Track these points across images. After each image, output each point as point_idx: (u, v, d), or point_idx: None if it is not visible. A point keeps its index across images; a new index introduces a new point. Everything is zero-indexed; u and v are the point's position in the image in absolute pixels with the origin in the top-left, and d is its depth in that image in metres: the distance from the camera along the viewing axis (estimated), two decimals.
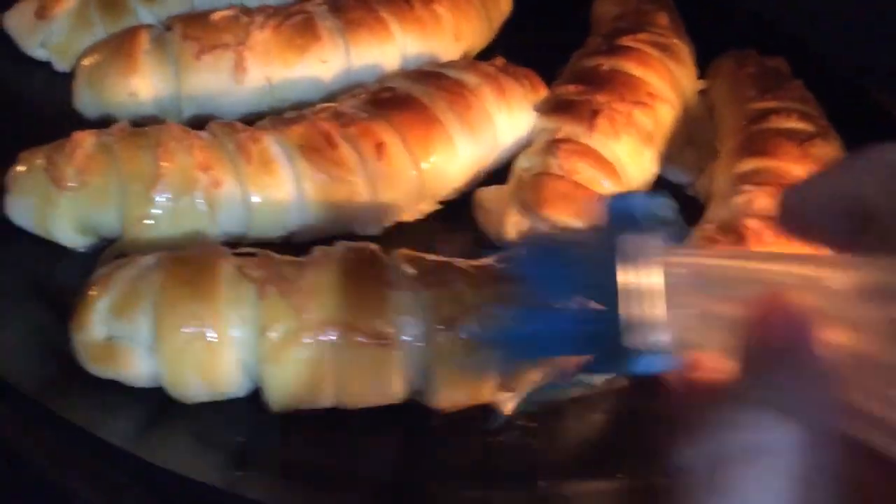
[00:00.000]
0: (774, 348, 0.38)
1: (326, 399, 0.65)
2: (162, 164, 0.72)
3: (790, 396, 0.37)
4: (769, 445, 0.36)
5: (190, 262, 0.65)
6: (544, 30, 1.06)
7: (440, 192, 0.81)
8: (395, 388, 0.65)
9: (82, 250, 0.74)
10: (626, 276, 0.44)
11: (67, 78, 0.89)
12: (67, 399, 0.64)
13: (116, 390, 0.65)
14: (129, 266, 0.66)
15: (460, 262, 0.69)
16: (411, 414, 0.67)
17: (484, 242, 0.81)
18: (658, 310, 0.44)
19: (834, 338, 0.38)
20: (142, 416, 0.65)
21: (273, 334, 0.63)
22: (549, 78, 0.91)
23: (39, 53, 0.90)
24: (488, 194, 0.82)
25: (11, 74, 0.90)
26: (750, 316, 0.39)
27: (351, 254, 0.67)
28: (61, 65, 0.90)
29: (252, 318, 0.64)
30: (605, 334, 0.44)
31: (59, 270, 0.73)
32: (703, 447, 0.38)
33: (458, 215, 0.83)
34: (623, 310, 0.43)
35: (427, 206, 0.81)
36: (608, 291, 0.44)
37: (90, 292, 0.64)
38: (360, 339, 0.63)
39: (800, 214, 0.42)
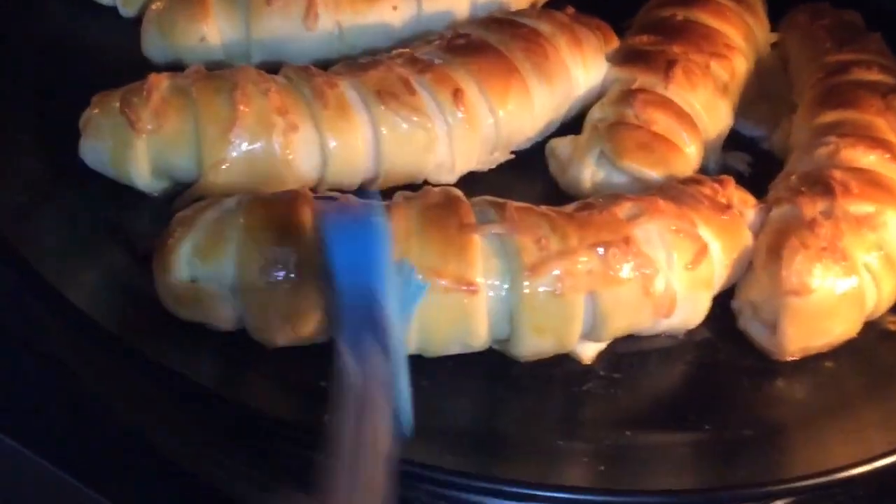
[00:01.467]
0: None
1: (409, 344, 0.64)
2: (239, 107, 0.71)
3: None
4: None
5: (273, 205, 0.64)
6: None
7: (514, 141, 0.80)
8: (478, 336, 0.64)
9: (156, 195, 0.74)
10: None
11: (133, 23, 0.88)
12: (151, 340, 0.64)
13: (198, 332, 0.65)
14: (211, 208, 0.65)
15: (543, 207, 0.68)
16: (493, 363, 0.67)
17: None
18: None
19: None
20: (224, 358, 0.64)
21: None
22: (619, 27, 0.90)
23: None
24: (562, 144, 0.80)
25: (78, 20, 0.89)
26: None
27: (434, 198, 0.66)
28: (127, 10, 0.89)
29: None
30: None
31: (133, 214, 0.73)
32: None
33: (528, 165, 0.82)
34: None
35: (500, 155, 0.80)
36: None
37: (174, 234, 0.64)
38: (444, 284, 0.62)
39: None
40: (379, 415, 0.50)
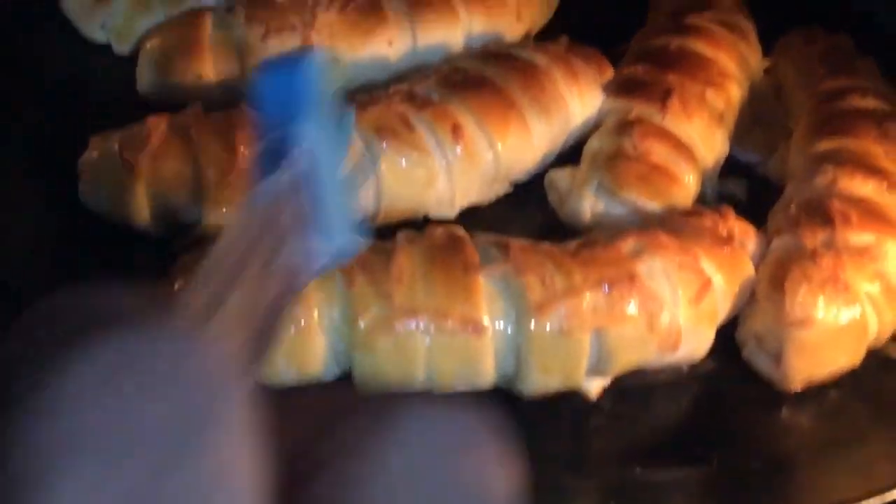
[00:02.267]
0: None
1: (416, 386, 0.64)
2: (240, 148, 0.71)
3: None
4: None
5: None
6: (599, 5, 1.04)
7: (513, 174, 0.80)
8: (486, 376, 0.64)
9: (156, 235, 0.73)
10: None
11: (127, 61, 0.88)
12: None
13: None
14: None
15: (545, 245, 0.68)
16: (498, 399, 0.66)
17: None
18: None
19: None
20: None
21: (363, 322, 0.62)
22: (609, 54, 0.90)
23: (99, 36, 0.89)
24: (561, 176, 0.80)
25: (71, 57, 0.89)
26: None
27: (438, 239, 0.66)
28: (121, 47, 0.88)
29: (341, 304, 0.63)
30: None
31: (135, 256, 0.73)
32: None
33: (527, 197, 0.82)
34: None
35: (500, 189, 0.80)
36: None
37: (176, 283, 0.63)
38: (451, 325, 0.62)
39: None
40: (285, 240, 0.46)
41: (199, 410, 0.32)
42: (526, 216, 0.81)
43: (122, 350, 0.32)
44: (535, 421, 0.66)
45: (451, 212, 0.77)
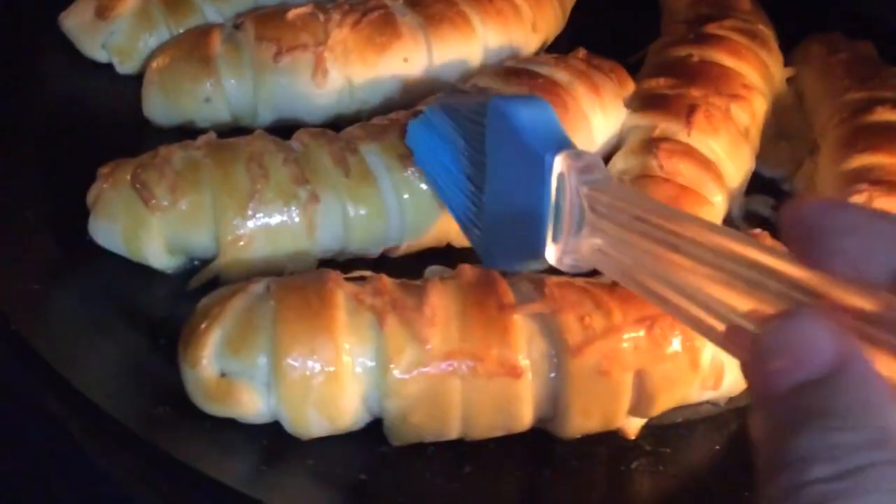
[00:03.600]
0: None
1: (452, 432, 0.61)
2: (256, 179, 0.68)
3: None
4: None
5: (304, 290, 0.61)
6: (610, 11, 1.02)
7: None
8: (524, 419, 0.61)
9: (170, 272, 0.70)
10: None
11: (130, 80, 0.85)
12: (177, 437, 0.61)
13: (228, 427, 0.62)
14: (238, 296, 0.61)
15: (580, 280, 0.65)
16: (535, 441, 0.64)
17: None
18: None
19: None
20: (257, 453, 0.61)
21: (396, 367, 0.59)
22: (624, 63, 0.87)
23: (100, 55, 0.85)
24: None
25: (72, 78, 0.85)
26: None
27: (471, 278, 0.63)
28: (124, 66, 0.85)
29: (373, 349, 0.60)
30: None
31: (149, 294, 0.69)
32: None
33: None
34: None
35: None
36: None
37: (201, 326, 0.60)
38: (488, 369, 0.60)
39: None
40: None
41: None
42: None
43: None
44: (574, 465, 0.64)
45: None
